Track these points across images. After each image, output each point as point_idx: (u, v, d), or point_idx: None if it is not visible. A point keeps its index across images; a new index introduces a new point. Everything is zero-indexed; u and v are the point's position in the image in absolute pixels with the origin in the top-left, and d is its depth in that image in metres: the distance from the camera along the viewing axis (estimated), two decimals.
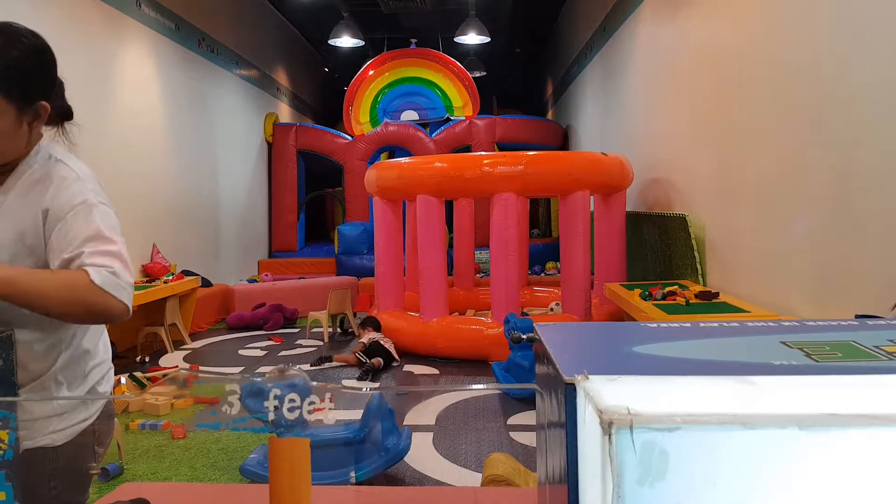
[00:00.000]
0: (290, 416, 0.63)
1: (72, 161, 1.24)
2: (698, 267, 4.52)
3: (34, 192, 1.18)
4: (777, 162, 3.45)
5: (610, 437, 0.43)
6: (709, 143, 4.48)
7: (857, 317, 0.92)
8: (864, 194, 2.71)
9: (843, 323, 0.76)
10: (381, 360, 4.86)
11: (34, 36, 1.19)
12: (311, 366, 5.03)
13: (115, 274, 1.11)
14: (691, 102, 4.82)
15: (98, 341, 1.31)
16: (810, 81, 3.11)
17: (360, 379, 4.68)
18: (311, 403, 0.64)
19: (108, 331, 1.38)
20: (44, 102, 1.18)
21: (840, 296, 2.90)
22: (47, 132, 1.28)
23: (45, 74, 1.19)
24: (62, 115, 1.28)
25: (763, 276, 3.67)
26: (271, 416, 0.64)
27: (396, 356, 5.07)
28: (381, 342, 5.04)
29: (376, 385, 4.66)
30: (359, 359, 4.89)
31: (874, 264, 2.64)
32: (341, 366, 5.01)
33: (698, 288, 4.15)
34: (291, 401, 0.63)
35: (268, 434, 0.67)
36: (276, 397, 0.63)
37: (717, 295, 3.82)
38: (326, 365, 5.04)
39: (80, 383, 1.25)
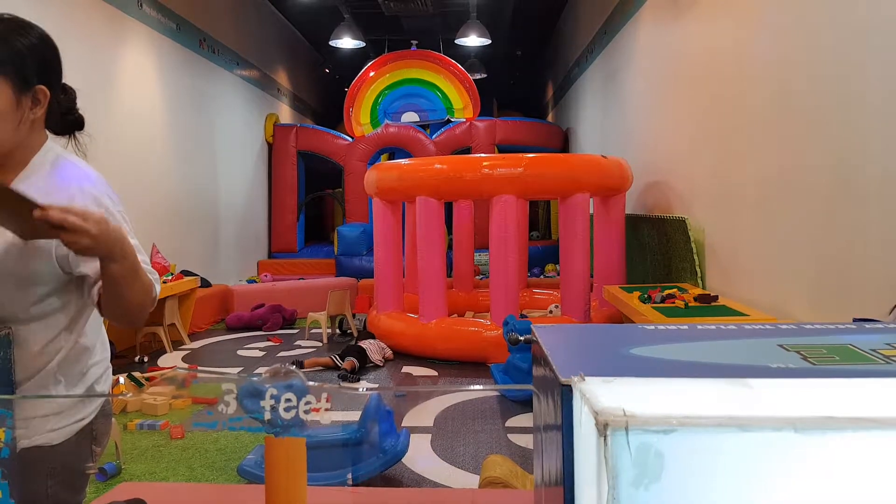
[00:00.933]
0: (287, 416, 0.63)
1: (82, 164, 1.25)
2: (697, 270, 4.52)
3: (51, 198, 1.17)
4: (776, 166, 3.46)
5: (605, 439, 0.43)
6: (709, 146, 4.48)
7: (855, 320, 0.92)
8: (862, 198, 2.71)
9: (841, 326, 0.77)
10: (354, 360, 4.86)
11: (39, 28, 1.20)
12: None
13: (157, 282, 1.23)
14: (691, 105, 4.82)
15: (96, 340, 1.31)
16: (810, 85, 3.12)
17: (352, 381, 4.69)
18: (307, 403, 0.64)
19: (108, 330, 1.38)
20: (42, 87, 1.17)
21: (839, 300, 2.90)
22: (59, 142, 1.28)
23: (44, 59, 1.19)
24: (73, 124, 1.28)
25: (762, 279, 3.67)
26: (268, 416, 0.64)
27: (378, 359, 5.04)
28: (362, 344, 5.06)
29: (374, 386, 4.66)
30: (333, 360, 4.91)
31: (873, 268, 2.65)
32: (321, 369, 4.98)
33: (697, 291, 4.15)
34: (288, 401, 0.63)
35: (265, 434, 0.67)
36: (272, 397, 0.63)
37: (716, 298, 3.82)
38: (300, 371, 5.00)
39: (77, 382, 1.25)
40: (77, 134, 1.29)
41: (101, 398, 1.30)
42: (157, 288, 1.22)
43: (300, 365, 5.01)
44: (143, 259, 1.21)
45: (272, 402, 0.63)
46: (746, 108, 3.83)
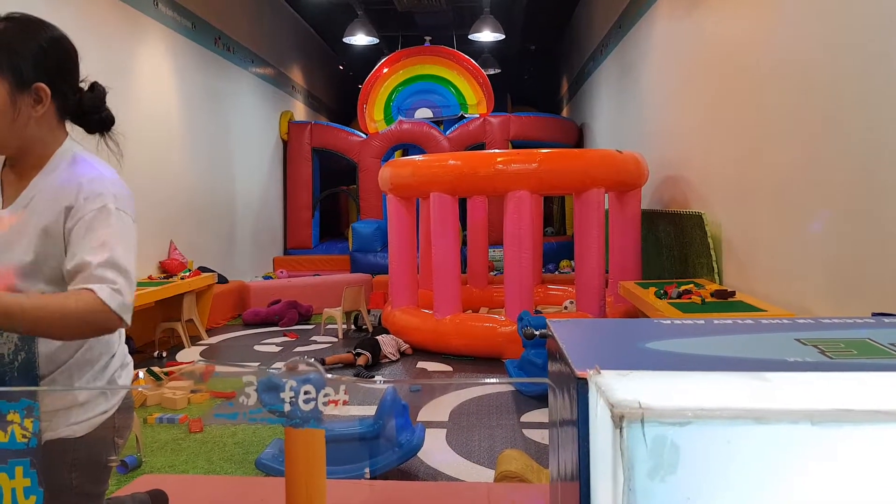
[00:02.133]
0: (306, 408, 0.64)
1: (97, 162, 1.26)
2: (714, 266, 4.48)
3: (61, 192, 1.19)
4: (794, 159, 3.41)
5: (621, 431, 0.44)
6: (725, 140, 4.43)
7: (874, 315, 0.91)
8: (882, 192, 2.67)
9: (860, 321, 0.76)
10: (367, 355, 4.89)
11: (51, 28, 1.20)
12: None
13: (119, 292, 1.12)
14: (707, 99, 4.77)
15: (115, 336, 1.33)
16: (829, 78, 3.07)
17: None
18: (325, 396, 0.65)
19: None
20: (42, 85, 1.17)
21: (858, 294, 2.86)
22: (89, 140, 1.29)
23: (48, 58, 1.18)
24: (101, 122, 1.28)
25: (780, 275, 3.63)
26: (287, 408, 0.65)
27: (391, 352, 5.07)
28: (377, 338, 5.09)
29: (390, 379, 4.68)
30: (353, 355, 4.96)
31: (892, 262, 2.61)
32: (341, 366, 5.02)
33: (714, 287, 4.11)
34: (307, 393, 0.64)
35: (283, 426, 0.68)
36: (291, 389, 0.64)
37: (733, 294, 3.79)
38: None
39: (98, 376, 1.28)
40: (108, 133, 1.30)
41: (122, 392, 1.32)
42: (113, 303, 1.10)
43: (322, 362, 5.06)
44: (107, 258, 1.12)
45: (291, 394, 0.64)
46: (764, 102, 3.78)
